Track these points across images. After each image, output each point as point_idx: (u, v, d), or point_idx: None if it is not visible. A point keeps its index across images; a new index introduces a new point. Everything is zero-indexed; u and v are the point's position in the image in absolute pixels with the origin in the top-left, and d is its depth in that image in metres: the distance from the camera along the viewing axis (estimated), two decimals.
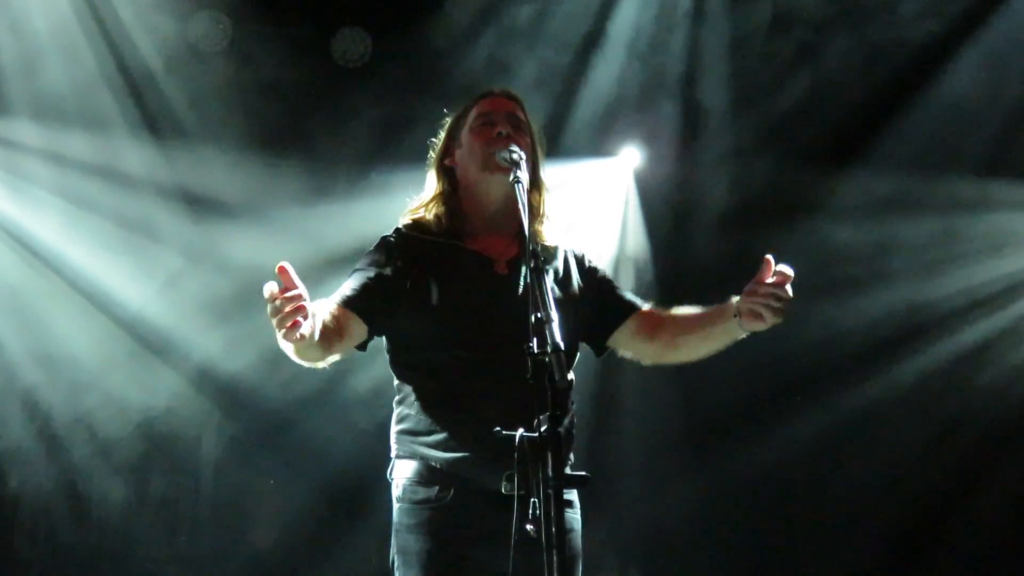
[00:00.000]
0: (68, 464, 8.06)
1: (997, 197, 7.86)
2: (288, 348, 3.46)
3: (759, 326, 3.63)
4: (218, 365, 8.12)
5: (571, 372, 3.60)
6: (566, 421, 3.47)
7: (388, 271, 3.78)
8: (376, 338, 3.82)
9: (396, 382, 3.84)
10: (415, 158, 4.14)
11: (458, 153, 3.95)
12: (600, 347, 4.02)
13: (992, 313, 8.08)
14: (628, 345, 4.00)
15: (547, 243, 3.90)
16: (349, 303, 3.71)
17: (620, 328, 3.96)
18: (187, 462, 8.38)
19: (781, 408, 8.10)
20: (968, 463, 8.02)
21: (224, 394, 8.25)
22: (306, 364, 3.65)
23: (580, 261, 4.01)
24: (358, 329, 3.72)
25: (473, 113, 3.97)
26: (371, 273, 3.79)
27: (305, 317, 3.26)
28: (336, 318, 3.64)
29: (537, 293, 3.21)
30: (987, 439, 8.01)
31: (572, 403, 3.71)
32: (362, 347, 3.81)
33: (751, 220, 7.93)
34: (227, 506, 8.37)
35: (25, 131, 7.48)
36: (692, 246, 8.15)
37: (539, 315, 3.16)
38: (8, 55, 7.14)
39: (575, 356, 3.87)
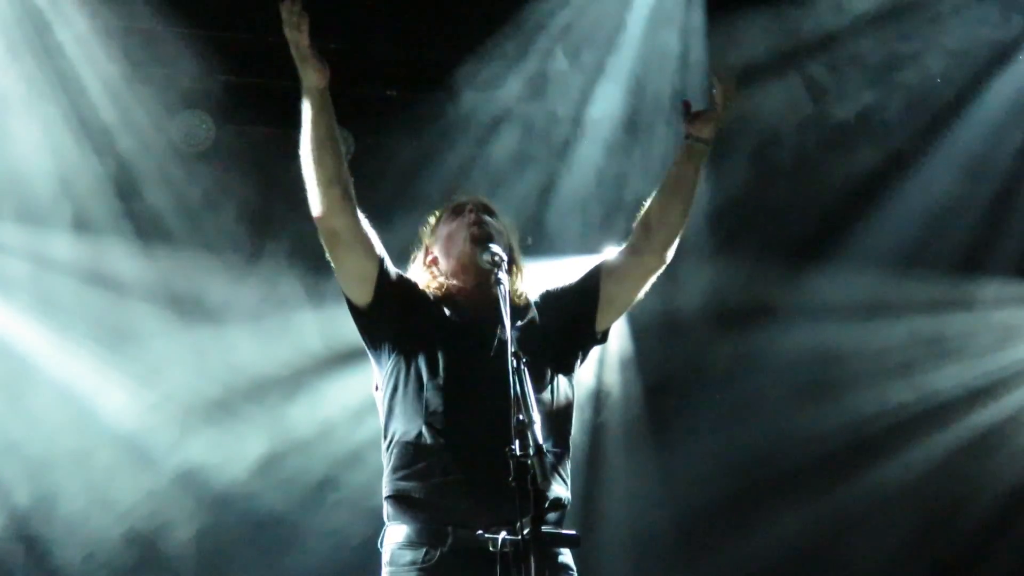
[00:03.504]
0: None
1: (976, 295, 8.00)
2: (306, 108, 3.74)
3: (714, 123, 3.95)
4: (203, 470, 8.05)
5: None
6: (562, 477, 3.73)
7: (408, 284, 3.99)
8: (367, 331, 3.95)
9: (383, 445, 3.86)
10: (401, 256, 4.19)
11: (437, 249, 4.06)
12: (597, 332, 4.04)
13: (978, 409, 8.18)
14: (625, 289, 4.05)
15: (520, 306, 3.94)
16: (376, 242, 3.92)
17: (601, 294, 4.00)
18: (170, 567, 8.22)
19: (767, 507, 8.09)
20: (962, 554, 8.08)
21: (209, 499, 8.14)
22: (316, 171, 3.77)
23: (544, 298, 4.06)
24: (372, 247, 3.88)
25: (446, 213, 4.12)
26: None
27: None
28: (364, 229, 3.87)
29: (520, 394, 3.21)
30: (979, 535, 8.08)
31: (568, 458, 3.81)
32: (354, 308, 3.94)
33: (732, 320, 8.01)
34: None
35: (8, 233, 7.47)
36: (676, 345, 8.19)
37: (521, 417, 3.16)
38: None
39: (569, 417, 3.91)
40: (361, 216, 3.86)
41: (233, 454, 7.85)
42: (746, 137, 7.40)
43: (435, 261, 4.06)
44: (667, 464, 8.19)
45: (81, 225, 7.47)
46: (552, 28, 7.08)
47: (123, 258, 7.65)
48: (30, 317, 7.63)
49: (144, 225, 7.52)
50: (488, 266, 3.71)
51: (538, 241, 7.36)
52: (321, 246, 7.41)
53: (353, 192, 3.84)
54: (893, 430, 8.16)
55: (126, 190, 7.38)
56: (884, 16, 7.00)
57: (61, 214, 7.39)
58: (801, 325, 8.06)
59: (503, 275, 3.64)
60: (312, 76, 3.72)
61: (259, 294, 7.70)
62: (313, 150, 3.75)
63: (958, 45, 7.05)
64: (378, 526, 3.85)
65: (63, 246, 7.54)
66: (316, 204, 3.80)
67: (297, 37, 3.67)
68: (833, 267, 8.03)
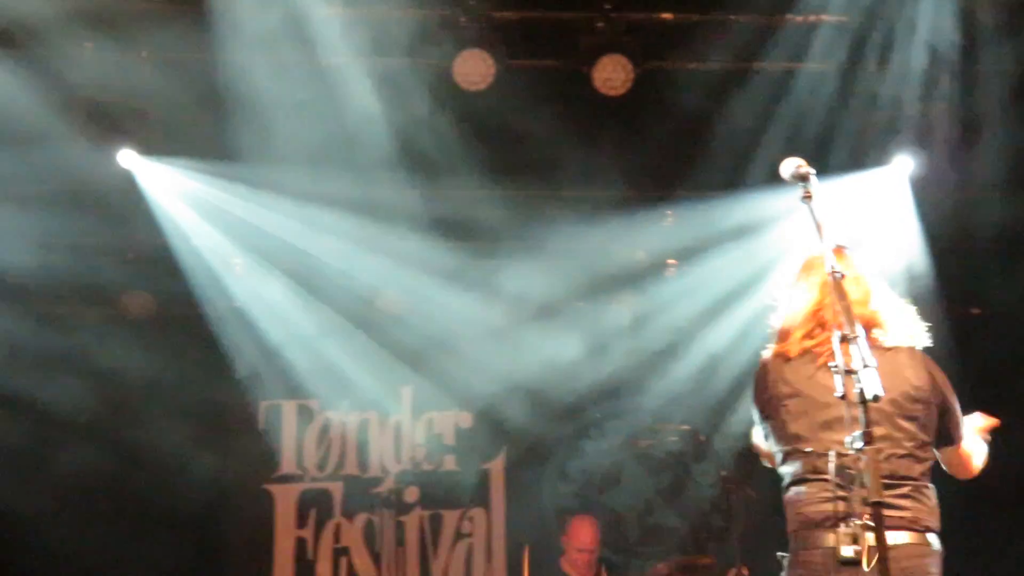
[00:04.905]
0: None
1: None
2: None
3: None
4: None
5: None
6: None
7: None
8: None
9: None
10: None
11: None
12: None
13: None
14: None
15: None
16: None
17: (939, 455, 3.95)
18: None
19: None
20: None
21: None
22: None
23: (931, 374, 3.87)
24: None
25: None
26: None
27: None
28: None
29: (840, 309, 3.18)
30: None
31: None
32: None
33: None
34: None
35: (298, 177, 7.83)
36: (975, 256, 7.92)
37: (845, 332, 3.13)
38: (276, 104, 7.43)
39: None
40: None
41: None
42: None
43: None
44: None
45: (366, 165, 7.73)
46: None
47: (410, 196, 7.94)
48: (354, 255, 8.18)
49: (428, 163, 7.73)
50: (793, 179, 3.61)
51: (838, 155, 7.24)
52: (601, 178, 7.55)
53: None
54: None
55: (411, 131, 7.57)
56: None
57: (347, 156, 7.65)
58: None
59: (812, 188, 3.54)
60: None
61: (549, 223, 7.92)
62: None
63: None
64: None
65: (350, 186, 7.87)
66: None
67: None
68: None
